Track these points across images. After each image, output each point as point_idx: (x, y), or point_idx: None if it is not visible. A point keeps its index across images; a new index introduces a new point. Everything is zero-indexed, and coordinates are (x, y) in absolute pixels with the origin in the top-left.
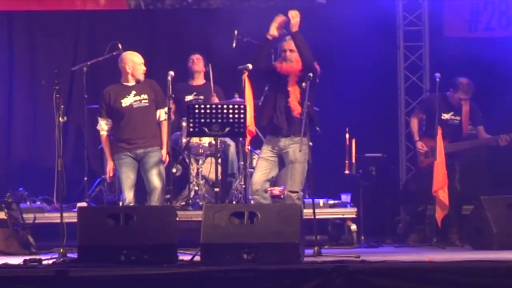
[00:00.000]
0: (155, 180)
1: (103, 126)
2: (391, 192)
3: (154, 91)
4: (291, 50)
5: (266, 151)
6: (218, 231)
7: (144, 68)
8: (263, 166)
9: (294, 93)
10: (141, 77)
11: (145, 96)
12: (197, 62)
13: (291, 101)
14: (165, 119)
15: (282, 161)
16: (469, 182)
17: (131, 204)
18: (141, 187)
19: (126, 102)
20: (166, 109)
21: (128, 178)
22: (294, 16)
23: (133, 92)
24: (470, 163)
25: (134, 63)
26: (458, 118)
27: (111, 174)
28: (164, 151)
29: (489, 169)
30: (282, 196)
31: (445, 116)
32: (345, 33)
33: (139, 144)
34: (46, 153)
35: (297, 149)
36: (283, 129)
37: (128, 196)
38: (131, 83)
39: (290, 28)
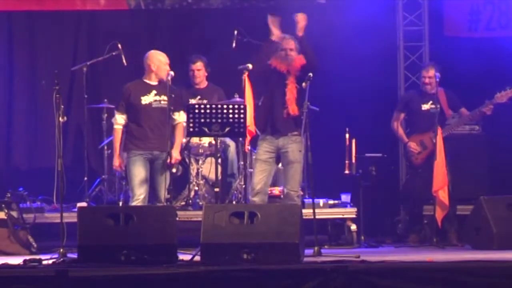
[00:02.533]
0: (160, 194)
1: (119, 120)
2: (391, 192)
3: (173, 94)
4: (291, 49)
5: (263, 152)
6: (218, 231)
7: (168, 68)
8: (262, 168)
9: (291, 92)
10: (164, 77)
11: (165, 98)
12: (198, 75)
13: (288, 101)
14: (180, 122)
15: (278, 159)
16: (467, 182)
17: (141, 198)
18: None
19: (146, 100)
20: (182, 112)
21: (140, 174)
22: (301, 20)
23: (154, 92)
24: (468, 163)
25: (160, 62)
26: (438, 106)
27: (123, 168)
28: (175, 152)
29: (487, 169)
30: (281, 196)
31: (425, 106)
32: (345, 33)
33: (152, 144)
34: (46, 153)
35: (296, 149)
36: (281, 128)
37: (138, 191)
38: (154, 82)
39: (297, 32)
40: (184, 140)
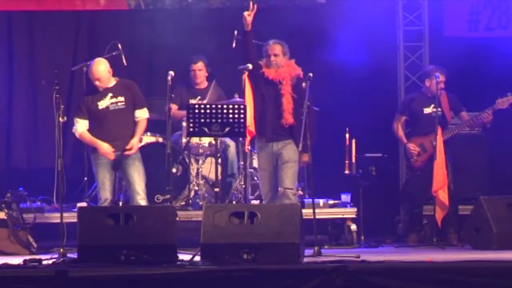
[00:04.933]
0: (137, 187)
1: (80, 126)
2: (391, 192)
3: (131, 93)
4: (275, 55)
5: (264, 162)
6: (218, 231)
7: (98, 83)
8: (268, 177)
9: (288, 102)
10: (105, 86)
11: (122, 99)
12: (199, 75)
13: (285, 111)
14: (143, 118)
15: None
16: (467, 182)
17: (107, 202)
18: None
19: (102, 104)
20: (144, 109)
21: (105, 178)
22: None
23: (110, 95)
24: (468, 163)
25: (91, 79)
26: (439, 109)
27: (112, 153)
28: (134, 140)
29: (487, 169)
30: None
31: (427, 110)
32: (345, 33)
33: (116, 146)
34: (46, 153)
35: (291, 149)
36: (272, 136)
37: (104, 195)
38: (109, 84)
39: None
40: (184, 140)
